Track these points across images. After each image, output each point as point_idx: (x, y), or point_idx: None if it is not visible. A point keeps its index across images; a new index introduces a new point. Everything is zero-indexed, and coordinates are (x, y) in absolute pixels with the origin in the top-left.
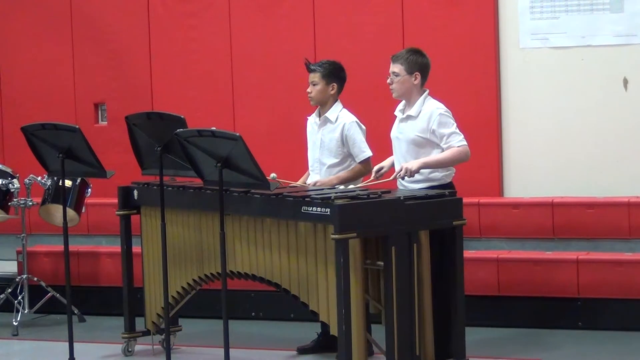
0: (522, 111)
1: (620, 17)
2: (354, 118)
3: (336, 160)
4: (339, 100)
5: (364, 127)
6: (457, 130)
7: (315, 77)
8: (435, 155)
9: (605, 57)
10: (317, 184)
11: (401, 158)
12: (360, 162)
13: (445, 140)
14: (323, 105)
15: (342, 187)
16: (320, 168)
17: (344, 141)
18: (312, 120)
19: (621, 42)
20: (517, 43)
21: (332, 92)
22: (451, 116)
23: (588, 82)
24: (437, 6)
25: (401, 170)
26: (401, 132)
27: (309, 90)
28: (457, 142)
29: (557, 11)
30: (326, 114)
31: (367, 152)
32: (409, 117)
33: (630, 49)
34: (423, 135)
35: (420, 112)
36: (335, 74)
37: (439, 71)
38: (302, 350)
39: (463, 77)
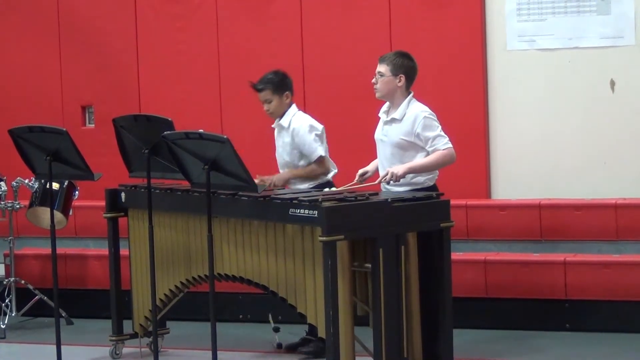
0: (509, 113)
1: (607, 18)
2: (304, 121)
3: (295, 161)
4: (293, 105)
5: (319, 126)
6: (442, 133)
7: (267, 94)
8: (421, 160)
9: (592, 59)
10: (273, 180)
11: (385, 161)
12: (314, 162)
13: (431, 143)
14: (281, 115)
15: (305, 185)
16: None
17: (295, 144)
18: (276, 128)
19: (608, 43)
20: (504, 45)
21: (287, 100)
22: (435, 119)
23: (575, 84)
24: (424, 8)
25: (387, 174)
26: (385, 135)
27: (265, 108)
28: (442, 145)
29: (544, 13)
30: (280, 122)
31: (317, 152)
32: (393, 120)
33: (617, 50)
34: (407, 139)
35: (404, 115)
36: (283, 83)
37: (426, 73)
38: (289, 348)
39: (450, 79)
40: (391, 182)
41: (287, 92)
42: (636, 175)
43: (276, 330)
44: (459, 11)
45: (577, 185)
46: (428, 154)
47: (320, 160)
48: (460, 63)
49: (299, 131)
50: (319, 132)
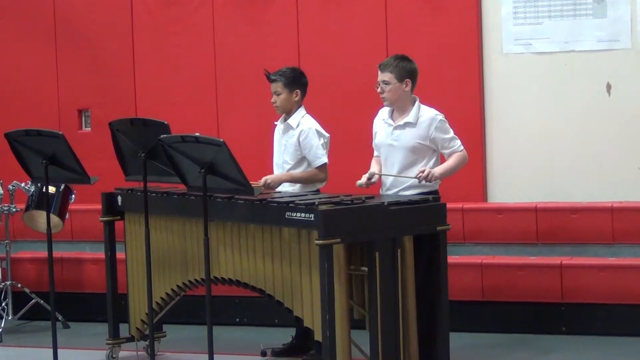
0: (505, 116)
1: (603, 22)
2: (313, 125)
3: (294, 163)
4: (302, 106)
5: (326, 134)
6: (455, 135)
7: (277, 86)
8: (447, 164)
9: (589, 63)
10: (268, 180)
11: (397, 165)
12: (316, 168)
13: (448, 145)
14: (288, 112)
15: (295, 188)
16: (283, 171)
17: (300, 146)
18: (279, 126)
19: (604, 47)
20: (500, 49)
21: (296, 98)
22: (447, 121)
23: (571, 88)
24: (420, 12)
25: (423, 172)
26: (397, 139)
27: (273, 100)
28: (458, 147)
29: (541, 17)
30: (288, 121)
31: (323, 159)
32: (407, 124)
33: (614, 54)
34: (422, 142)
35: (418, 118)
36: (297, 80)
37: (423, 77)
38: (274, 353)
39: (447, 83)
40: (424, 181)
41: (297, 90)
42: (632, 179)
43: (263, 354)
44: (456, 15)
45: (573, 188)
46: (439, 156)
47: (323, 167)
48: (457, 66)
49: (307, 134)
50: (325, 140)
